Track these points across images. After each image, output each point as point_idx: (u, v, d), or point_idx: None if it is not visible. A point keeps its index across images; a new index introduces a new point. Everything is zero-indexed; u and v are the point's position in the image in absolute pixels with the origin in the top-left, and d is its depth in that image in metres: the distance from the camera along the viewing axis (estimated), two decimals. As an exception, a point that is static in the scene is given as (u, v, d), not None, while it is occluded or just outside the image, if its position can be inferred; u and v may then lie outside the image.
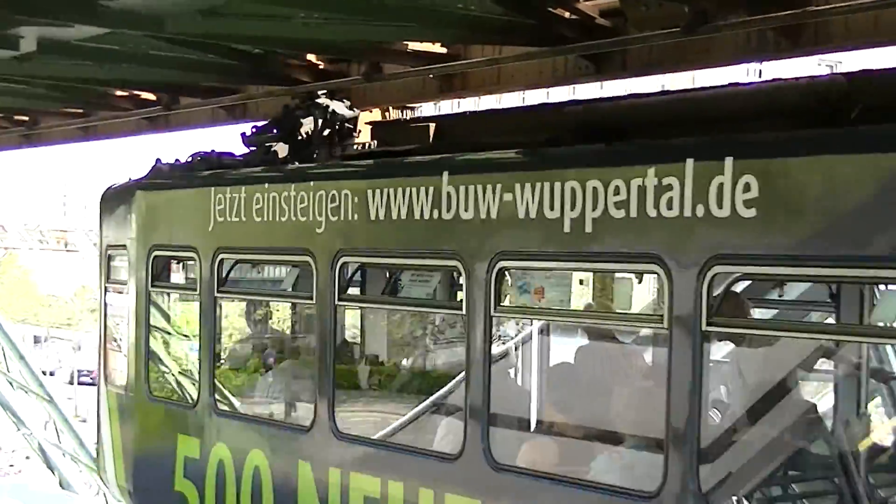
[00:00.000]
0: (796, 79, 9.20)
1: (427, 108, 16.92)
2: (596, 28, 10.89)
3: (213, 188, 12.68)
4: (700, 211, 8.03)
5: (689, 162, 8.14)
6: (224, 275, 12.63)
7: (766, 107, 8.81)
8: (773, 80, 9.85)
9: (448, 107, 20.74)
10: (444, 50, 12.63)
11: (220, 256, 12.50)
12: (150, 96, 16.57)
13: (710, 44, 10.53)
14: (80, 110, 18.25)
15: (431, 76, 12.99)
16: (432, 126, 11.92)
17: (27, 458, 57.48)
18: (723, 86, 9.61)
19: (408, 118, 13.84)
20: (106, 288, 14.72)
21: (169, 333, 14.66)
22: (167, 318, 14.64)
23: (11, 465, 48.06)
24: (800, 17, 9.84)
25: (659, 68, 11.58)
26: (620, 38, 10.85)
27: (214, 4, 11.30)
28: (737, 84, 9.77)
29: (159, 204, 13.87)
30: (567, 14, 10.88)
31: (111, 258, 14.49)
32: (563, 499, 9.19)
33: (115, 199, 14.53)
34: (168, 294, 14.29)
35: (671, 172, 8.23)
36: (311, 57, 13.93)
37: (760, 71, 36.76)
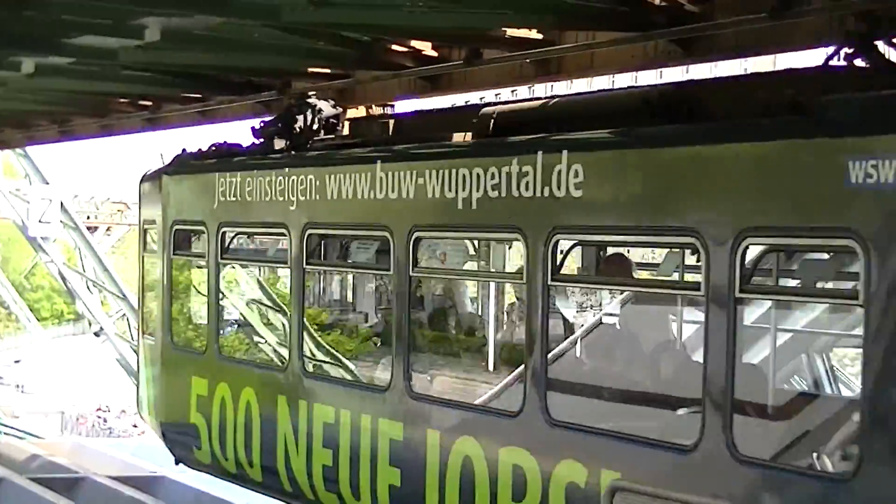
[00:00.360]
0: (640, 86, 11.10)
1: (522, 91, 17.06)
2: (684, 14, 10.88)
3: (217, 174, 14.84)
4: (546, 192, 10.04)
5: (539, 154, 10.18)
6: (226, 245, 14.84)
7: (614, 109, 10.51)
8: (626, 87, 11.78)
9: (542, 90, 20.63)
10: (540, 36, 12.61)
11: (223, 230, 14.69)
12: (265, 81, 16.66)
13: (792, 29, 10.50)
14: (200, 95, 18.45)
15: (528, 61, 12.98)
16: (391, 122, 13.94)
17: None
18: (588, 92, 11.91)
19: (374, 115, 15.87)
20: (143, 256, 16.95)
21: (186, 293, 16.68)
22: (184, 280, 16.64)
23: (135, 426, 48.71)
24: (879, 3, 9.77)
25: (744, 52, 11.54)
26: (708, 23, 10.83)
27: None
28: (600, 90, 12.40)
29: (179, 186, 15.97)
30: (657, 1, 10.89)
31: (146, 231, 16.57)
32: (460, 418, 11.50)
33: (148, 182, 16.61)
34: (185, 260, 16.22)
35: (528, 162, 10.24)
36: (415, 43, 13.97)
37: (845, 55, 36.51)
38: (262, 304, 16.95)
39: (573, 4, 11.33)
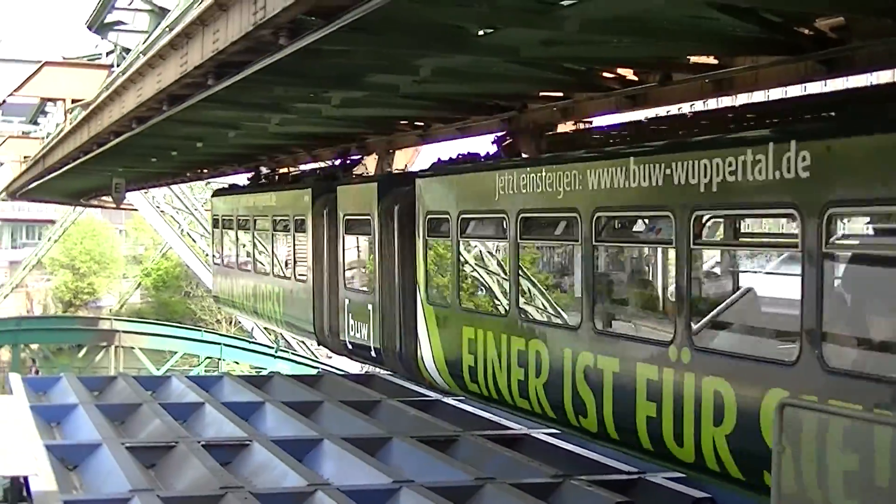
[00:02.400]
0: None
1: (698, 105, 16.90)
2: (827, 39, 10.72)
3: (223, 197, 27.68)
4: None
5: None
6: (226, 223, 26.86)
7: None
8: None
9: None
10: (716, 61, 12.52)
11: (225, 220, 26.93)
12: (507, 104, 16.84)
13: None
14: (458, 116, 18.72)
15: (707, 80, 12.89)
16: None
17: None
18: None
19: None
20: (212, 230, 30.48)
21: (221, 244, 29.10)
22: (224, 238, 28.01)
23: (329, 357, 48.63)
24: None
25: (874, 68, 11.33)
26: (846, 46, 10.65)
27: (552, 35, 11.52)
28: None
29: (218, 201, 28.39)
30: (806, 31, 10.75)
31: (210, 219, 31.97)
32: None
33: (212, 197, 30.56)
34: (223, 232, 27.71)
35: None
36: (619, 70, 13.96)
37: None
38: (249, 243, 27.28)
39: (741, 35, 11.27)
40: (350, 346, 19.62)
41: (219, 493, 11.31)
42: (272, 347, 42.98)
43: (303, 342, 47.91)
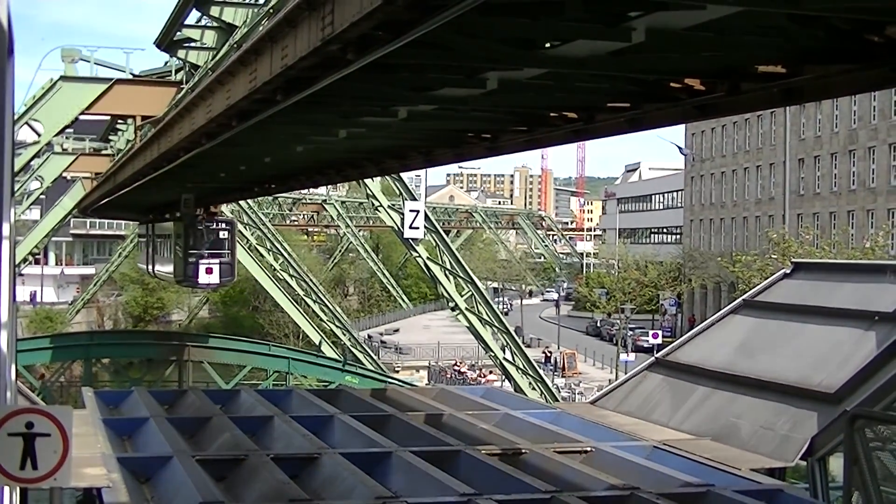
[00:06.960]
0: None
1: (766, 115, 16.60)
2: (900, 47, 10.61)
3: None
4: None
5: None
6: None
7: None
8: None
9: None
10: (784, 70, 12.42)
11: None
12: (574, 115, 16.81)
13: None
14: (525, 128, 18.69)
15: (776, 90, 12.79)
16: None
17: (490, 372, 58.96)
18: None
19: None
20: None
21: None
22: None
23: (482, 376, 49.34)
24: None
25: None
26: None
27: (620, 47, 11.51)
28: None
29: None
30: (877, 38, 10.66)
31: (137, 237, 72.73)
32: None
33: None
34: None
35: None
36: (687, 80, 13.88)
37: None
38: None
39: (811, 45, 11.20)
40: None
41: (288, 507, 11.43)
42: (339, 361, 43.29)
43: (370, 356, 48.64)
